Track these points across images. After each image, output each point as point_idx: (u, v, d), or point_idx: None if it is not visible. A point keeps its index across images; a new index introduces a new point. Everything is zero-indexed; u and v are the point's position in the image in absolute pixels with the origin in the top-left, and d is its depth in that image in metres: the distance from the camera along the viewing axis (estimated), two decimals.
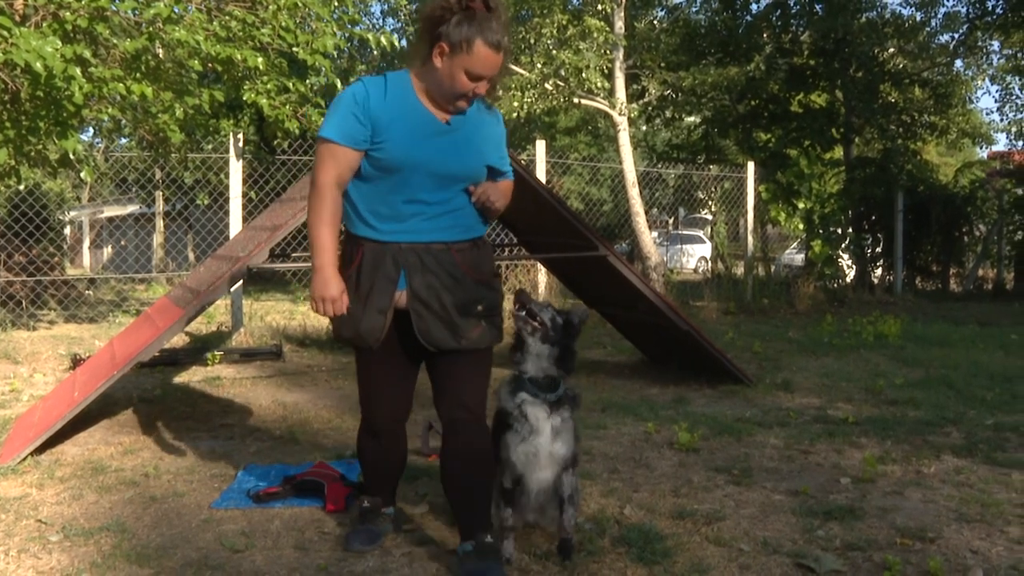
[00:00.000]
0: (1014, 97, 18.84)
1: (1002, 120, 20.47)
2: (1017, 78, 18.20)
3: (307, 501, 3.58)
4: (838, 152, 15.76)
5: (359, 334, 2.84)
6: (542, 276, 9.75)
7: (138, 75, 7.21)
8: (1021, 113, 19.21)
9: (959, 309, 11.94)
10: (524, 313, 2.94)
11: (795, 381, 6.36)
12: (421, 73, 2.78)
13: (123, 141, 12.65)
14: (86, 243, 26.90)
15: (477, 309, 2.85)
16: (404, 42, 17.11)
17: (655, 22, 15.78)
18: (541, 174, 9.64)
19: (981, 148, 25.57)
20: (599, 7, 12.13)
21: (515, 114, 11.96)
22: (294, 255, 6.36)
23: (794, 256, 16.32)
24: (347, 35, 8.85)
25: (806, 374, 6.70)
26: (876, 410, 5.45)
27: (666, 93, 15.00)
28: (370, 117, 2.73)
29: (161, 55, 7.70)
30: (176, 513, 3.51)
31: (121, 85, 6.75)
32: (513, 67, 11.42)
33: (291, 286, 13.62)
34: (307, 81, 8.94)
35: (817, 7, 14.73)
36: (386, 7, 19.64)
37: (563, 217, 5.64)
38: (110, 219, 25.21)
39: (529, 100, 12.00)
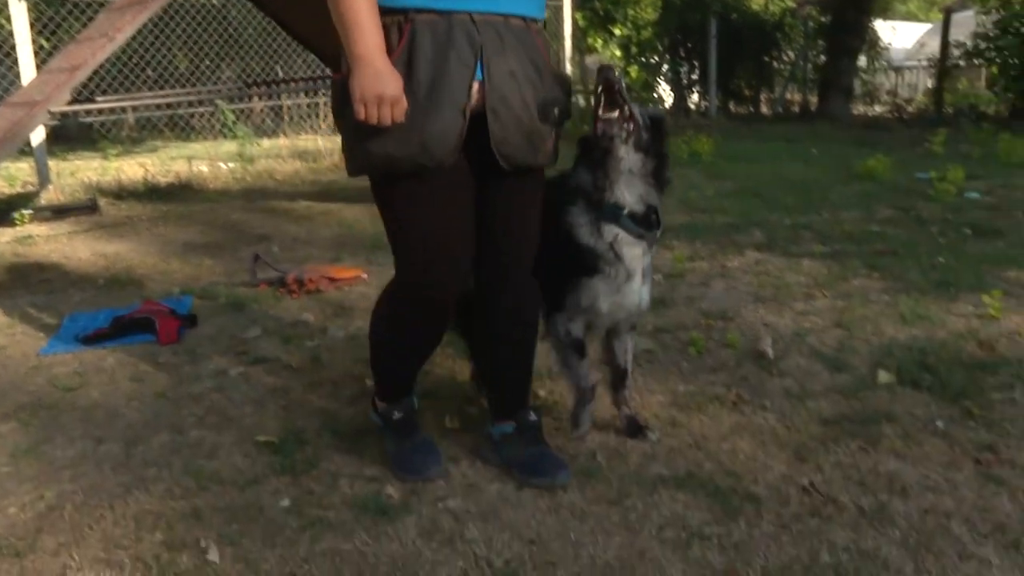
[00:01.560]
0: None
1: None
2: None
3: (139, 338, 3.55)
4: None
5: (424, 146, 1.97)
6: None
7: None
8: None
9: (768, 129, 12.61)
10: (617, 110, 2.14)
11: None
12: None
13: None
14: None
15: (554, 114, 2.16)
16: None
17: None
18: None
19: None
20: None
21: None
22: (100, 99, 5.93)
23: None
24: None
25: None
26: (688, 218, 5.82)
27: None
28: None
29: None
30: (1, 365, 3.41)
31: None
32: None
33: (100, 144, 12.74)
34: None
35: None
36: None
37: None
38: None
39: None
